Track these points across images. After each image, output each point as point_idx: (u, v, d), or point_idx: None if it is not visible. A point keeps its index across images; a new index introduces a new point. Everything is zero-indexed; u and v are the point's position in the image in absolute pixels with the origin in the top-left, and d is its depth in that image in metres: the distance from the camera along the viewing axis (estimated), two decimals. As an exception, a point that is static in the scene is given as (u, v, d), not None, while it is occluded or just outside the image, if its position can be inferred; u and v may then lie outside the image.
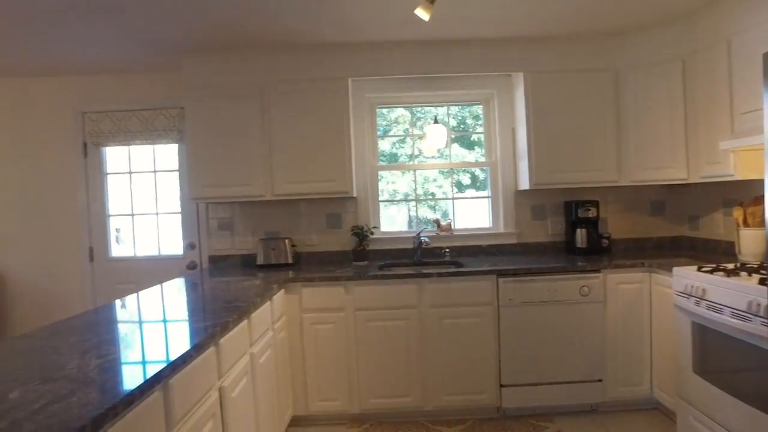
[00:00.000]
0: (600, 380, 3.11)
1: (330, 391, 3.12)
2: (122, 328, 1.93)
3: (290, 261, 3.58)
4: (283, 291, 3.04)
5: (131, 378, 1.32)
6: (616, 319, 3.10)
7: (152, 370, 1.38)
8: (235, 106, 3.44)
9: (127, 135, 3.88)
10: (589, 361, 3.10)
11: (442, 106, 3.93)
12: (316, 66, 3.43)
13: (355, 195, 3.57)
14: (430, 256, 3.74)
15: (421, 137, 3.92)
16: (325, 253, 3.78)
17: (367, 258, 3.66)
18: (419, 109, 3.99)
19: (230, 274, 3.36)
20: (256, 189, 3.44)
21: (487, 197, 3.93)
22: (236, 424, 2.02)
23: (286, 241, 3.59)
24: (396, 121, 4.02)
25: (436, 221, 3.80)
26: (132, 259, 3.97)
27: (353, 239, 3.72)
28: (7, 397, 1.20)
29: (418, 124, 3.99)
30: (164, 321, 2.04)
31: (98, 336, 1.80)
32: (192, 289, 2.81)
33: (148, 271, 3.91)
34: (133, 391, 1.23)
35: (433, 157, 3.93)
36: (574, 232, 3.62)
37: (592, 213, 3.58)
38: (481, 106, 3.94)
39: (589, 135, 3.44)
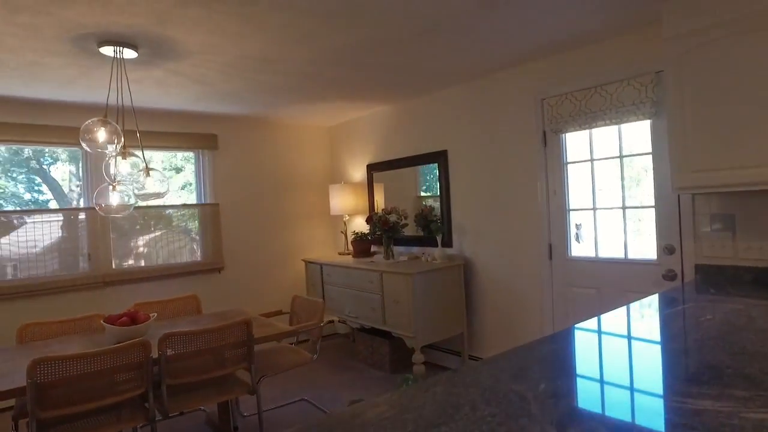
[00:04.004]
0: None
1: None
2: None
3: None
4: None
5: None
6: None
7: None
8: (741, 52, 2.33)
9: (588, 117, 3.35)
10: None
11: None
12: None
13: None
14: None
15: None
16: None
17: None
18: None
19: (734, 293, 2.32)
20: (782, 171, 2.25)
21: None
22: None
23: (839, 251, 2.23)
24: None
25: None
26: (593, 261, 3.43)
27: None
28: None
29: None
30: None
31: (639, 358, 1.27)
32: (690, 313, 1.98)
33: (611, 277, 3.29)
34: None
35: None
36: None
37: None
38: None
39: None
